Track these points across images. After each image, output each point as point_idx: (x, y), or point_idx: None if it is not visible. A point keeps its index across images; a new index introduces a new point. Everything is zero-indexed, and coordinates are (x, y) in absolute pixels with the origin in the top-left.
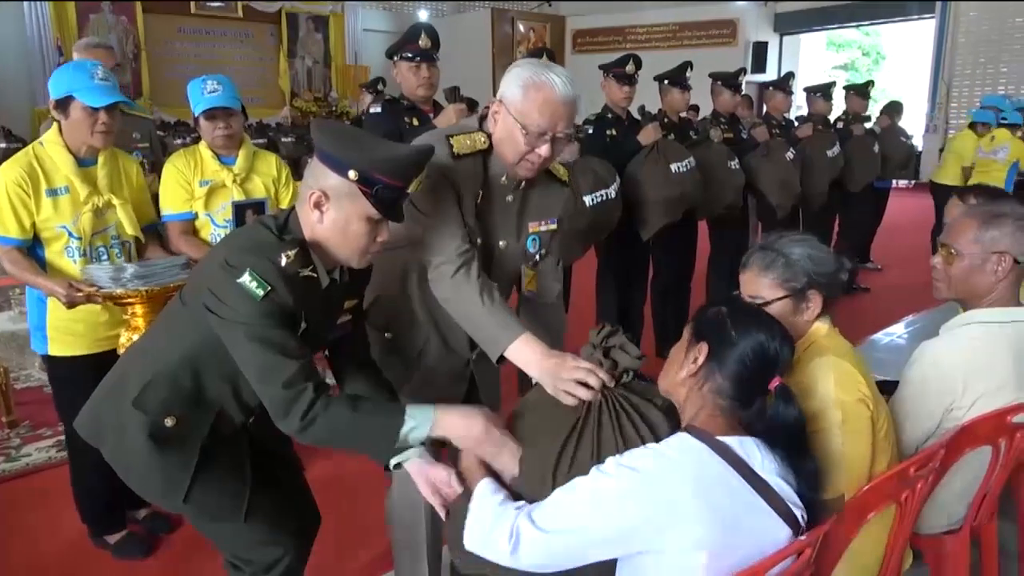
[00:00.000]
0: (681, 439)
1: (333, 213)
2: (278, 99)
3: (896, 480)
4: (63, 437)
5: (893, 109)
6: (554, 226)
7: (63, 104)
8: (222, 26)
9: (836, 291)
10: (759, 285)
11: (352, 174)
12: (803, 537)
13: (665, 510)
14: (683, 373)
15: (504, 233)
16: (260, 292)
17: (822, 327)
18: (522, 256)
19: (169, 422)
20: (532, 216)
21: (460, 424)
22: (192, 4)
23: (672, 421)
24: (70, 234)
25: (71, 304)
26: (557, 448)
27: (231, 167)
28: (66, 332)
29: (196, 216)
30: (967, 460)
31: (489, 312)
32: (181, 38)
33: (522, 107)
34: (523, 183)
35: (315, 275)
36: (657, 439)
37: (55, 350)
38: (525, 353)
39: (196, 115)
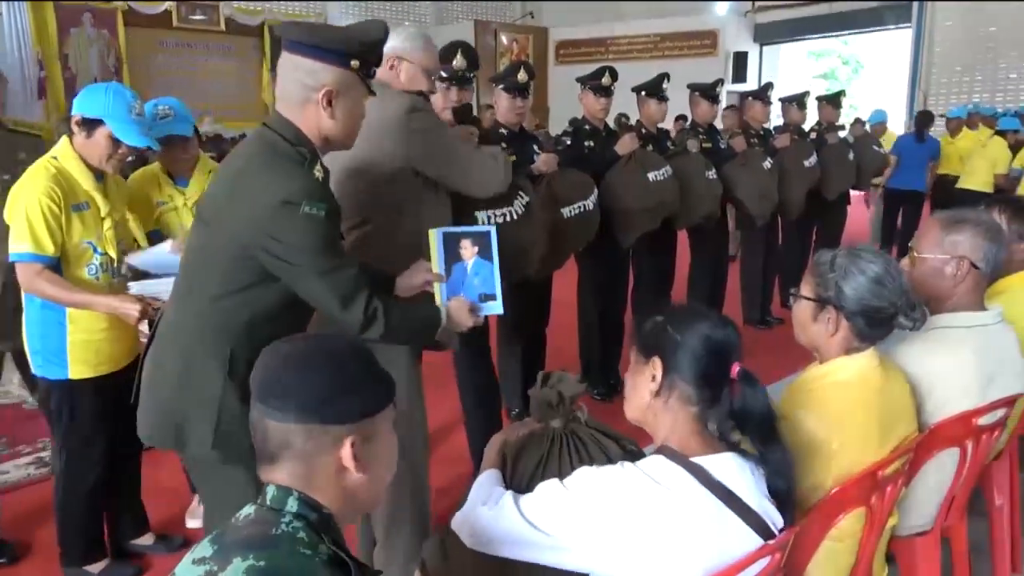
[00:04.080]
0: (654, 461)
1: (343, 105)
2: (260, 112)
3: (865, 483)
4: (42, 455)
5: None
6: None
7: (90, 124)
8: (204, 39)
9: (874, 328)
10: (805, 280)
11: (355, 63)
12: (772, 542)
13: (632, 533)
14: (646, 395)
15: None
16: (322, 213)
17: (850, 364)
18: None
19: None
20: None
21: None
22: (174, 17)
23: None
24: (95, 250)
25: (144, 316)
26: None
27: (183, 190)
28: (87, 351)
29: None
30: (935, 462)
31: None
32: (163, 51)
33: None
34: None
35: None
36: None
37: (76, 373)
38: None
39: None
